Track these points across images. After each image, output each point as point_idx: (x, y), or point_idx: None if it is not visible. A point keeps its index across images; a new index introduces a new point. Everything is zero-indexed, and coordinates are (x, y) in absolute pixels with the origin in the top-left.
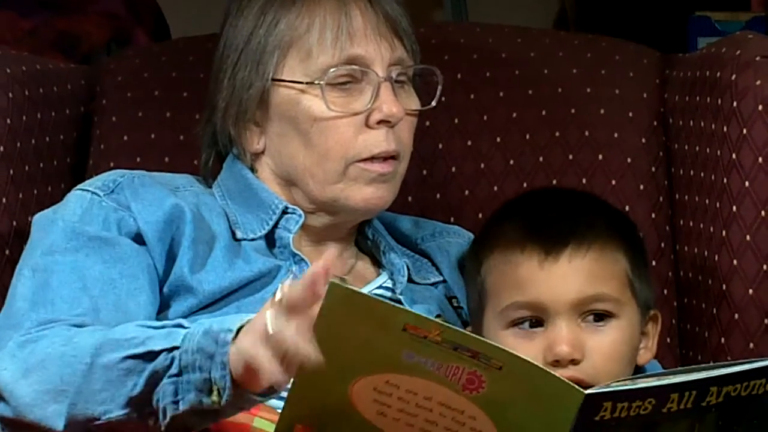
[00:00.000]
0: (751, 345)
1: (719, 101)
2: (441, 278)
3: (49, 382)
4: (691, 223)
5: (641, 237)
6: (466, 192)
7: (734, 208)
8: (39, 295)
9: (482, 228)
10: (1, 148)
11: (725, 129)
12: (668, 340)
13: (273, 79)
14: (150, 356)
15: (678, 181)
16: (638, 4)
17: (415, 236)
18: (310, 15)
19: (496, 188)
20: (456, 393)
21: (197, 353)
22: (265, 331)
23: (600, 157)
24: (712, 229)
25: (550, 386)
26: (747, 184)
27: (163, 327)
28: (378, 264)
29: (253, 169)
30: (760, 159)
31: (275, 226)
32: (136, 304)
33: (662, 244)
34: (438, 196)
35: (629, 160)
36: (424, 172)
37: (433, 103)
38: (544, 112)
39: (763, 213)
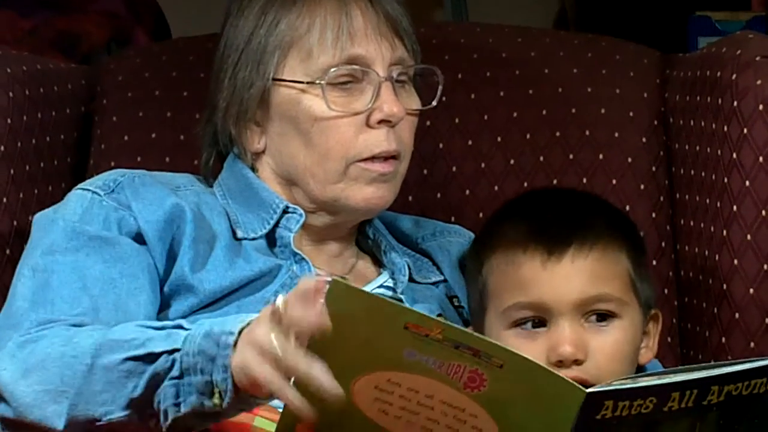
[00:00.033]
0: (752, 344)
1: (720, 101)
2: (442, 278)
3: (49, 383)
4: (691, 223)
5: (641, 236)
6: (467, 192)
7: (735, 207)
8: (39, 295)
9: (483, 228)
10: (2, 148)
11: (726, 129)
12: (669, 339)
13: (274, 79)
14: (150, 358)
15: (678, 181)
16: (638, 4)
17: (416, 236)
18: (310, 15)
19: (496, 188)
20: (457, 391)
21: (198, 356)
22: (271, 352)
23: (600, 156)
24: (712, 228)
25: (551, 385)
26: (747, 183)
27: (162, 328)
28: (379, 263)
29: (253, 169)
30: (761, 158)
31: (276, 225)
32: (136, 304)
33: (663, 244)
34: (438, 195)
35: (630, 159)
36: (425, 171)
37: (434, 103)
38: (544, 112)
39: (763, 212)
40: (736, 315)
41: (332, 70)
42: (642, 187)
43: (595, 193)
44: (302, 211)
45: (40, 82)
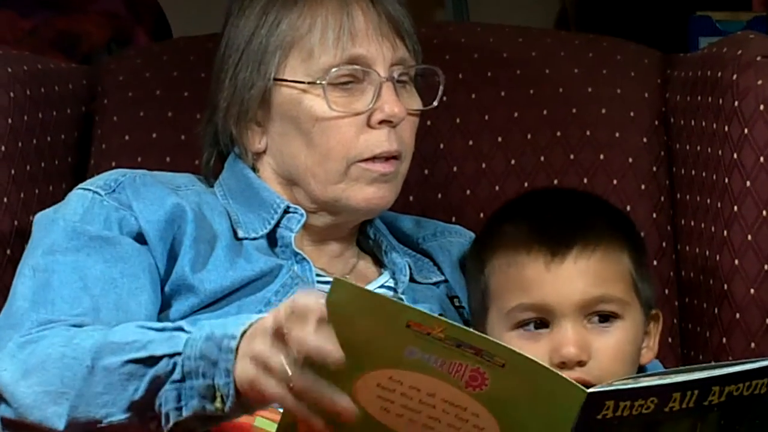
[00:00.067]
0: (753, 345)
1: (720, 101)
2: (442, 278)
3: (50, 384)
4: (692, 223)
5: (642, 236)
6: (468, 192)
7: (735, 207)
8: (39, 295)
9: (484, 228)
10: (3, 148)
11: (726, 129)
12: (670, 339)
13: (275, 79)
14: (151, 361)
15: (679, 181)
16: (639, 4)
17: (417, 236)
18: (311, 15)
19: (497, 188)
20: (459, 390)
21: (200, 360)
22: (279, 370)
23: (601, 156)
24: (713, 228)
25: (552, 384)
26: (748, 183)
27: (163, 329)
28: (379, 263)
29: (254, 169)
30: (762, 159)
31: (277, 225)
32: (137, 304)
33: (663, 244)
34: (439, 195)
35: (630, 159)
36: (426, 171)
37: (435, 103)
38: (545, 112)
39: (764, 213)
40: (737, 315)
41: (333, 70)
42: (643, 187)
43: (596, 194)
44: (303, 211)
45: (41, 82)
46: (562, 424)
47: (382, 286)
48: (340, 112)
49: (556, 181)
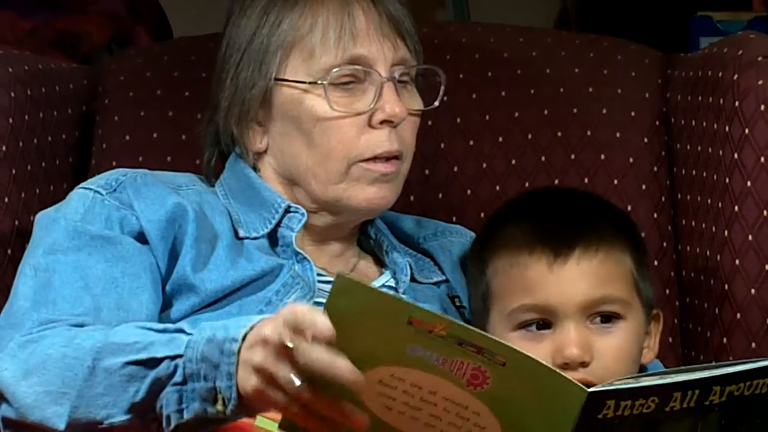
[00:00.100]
0: (754, 345)
1: (721, 101)
2: (443, 277)
3: (50, 384)
4: (693, 223)
5: (642, 236)
6: (468, 192)
7: (736, 207)
8: (41, 295)
9: (484, 228)
10: (4, 148)
11: (727, 129)
12: (670, 339)
13: (276, 79)
14: (152, 363)
15: (680, 181)
16: (640, 4)
17: (418, 235)
18: (313, 15)
19: (497, 188)
20: (460, 388)
21: (202, 362)
22: (291, 386)
23: (602, 156)
24: (714, 228)
25: (553, 384)
26: (749, 183)
27: (164, 331)
28: (380, 263)
29: (255, 168)
30: (762, 159)
31: (278, 224)
32: (138, 303)
33: (664, 244)
34: (440, 195)
35: (631, 159)
36: (426, 171)
37: (436, 104)
38: (546, 112)
39: (765, 213)
40: (738, 315)
41: (334, 70)
42: (643, 187)
43: (596, 193)
44: (304, 211)
45: (42, 82)
46: (563, 423)
47: (383, 286)
48: (341, 112)
49: (557, 181)
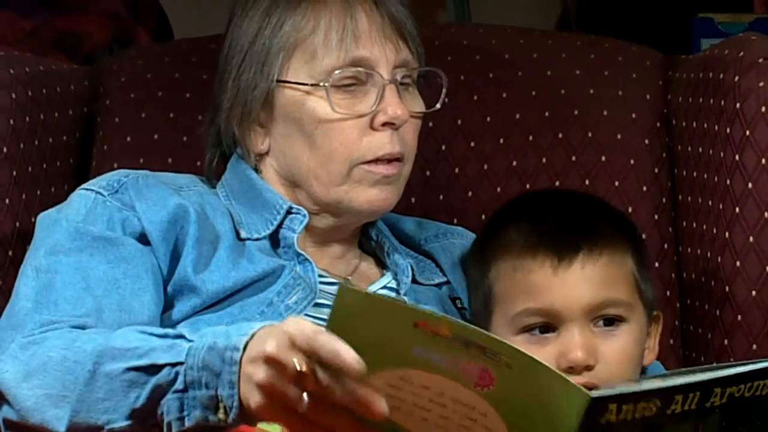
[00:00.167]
0: (754, 346)
1: (722, 103)
2: (445, 279)
3: (51, 387)
4: (694, 225)
5: (643, 237)
6: (469, 193)
7: (737, 209)
8: (42, 296)
9: (485, 230)
10: (5, 149)
11: (728, 130)
12: (671, 341)
13: (278, 81)
14: (153, 369)
15: (681, 183)
16: (641, 6)
17: (419, 237)
18: (315, 17)
19: (498, 189)
20: (468, 389)
21: (203, 370)
22: (301, 404)
23: (603, 158)
24: (715, 230)
25: (556, 387)
26: (750, 185)
27: (164, 336)
28: (382, 265)
29: (257, 170)
30: (763, 160)
31: (279, 226)
32: (140, 304)
33: (665, 246)
34: (441, 197)
35: (632, 161)
36: (427, 173)
37: (438, 106)
38: (546, 114)
39: (766, 214)
40: (739, 317)
41: (336, 72)
42: (644, 188)
43: (596, 195)
44: (306, 212)
45: (43, 83)
46: (566, 426)
47: (384, 287)
48: (343, 114)
49: (557, 183)
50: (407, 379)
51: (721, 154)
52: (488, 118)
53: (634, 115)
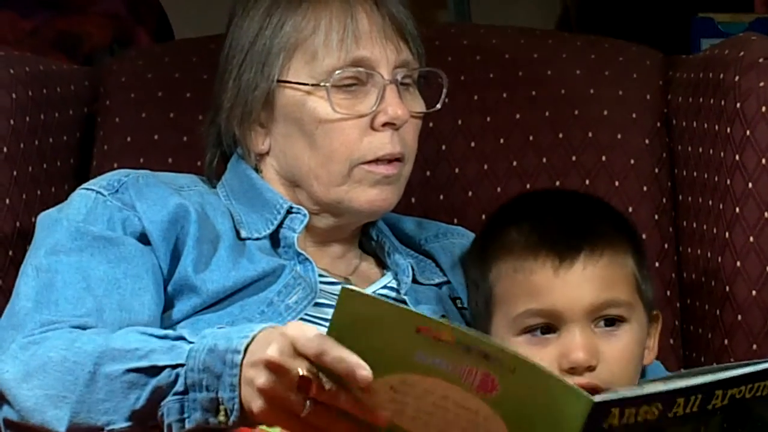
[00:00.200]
0: (755, 346)
1: (722, 103)
2: (445, 279)
3: (51, 387)
4: (694, 225)
5: (642, 237)
6: (469, 193)
7: (737, 209)
8: (43, 296)
9: (485, 231)
10: (5, 149)
11: (728, 130)
12: (671, 341)
13: (278, 81)
14: (153, 371)
15: (681, 183)
16: (641, 6)
17: (419, 237)
18: (315, 17)
19: (498, 189)
20: (470, 394)
21: (203, 372)
22: (303, 410)
23: (603, 158)
24: (715, 230)
25: (559, 392)
26: (750, 185)
27: (165, 337)
28: (382, 265)
29: (257, 170)
30: (764, 160)
31: (280, 225)
32: (140, 304)
33: (665, 246)
34: (441, 197)
35: (632, 161)
36: (428, 173)
37: (438, 106)
38: (547, 114)
39: (766, 214)
40: (739, 317)
41: (337, 72)
42: (645, 188)
43: (595, 195)
44: (306, 212)
45: (43, 83)
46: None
47: (384, 287)
48: (343, 115)
49: (558, 183)
50: (410, 383)
51: (722, 154)
52: (488, 118)
53: (634, 115)
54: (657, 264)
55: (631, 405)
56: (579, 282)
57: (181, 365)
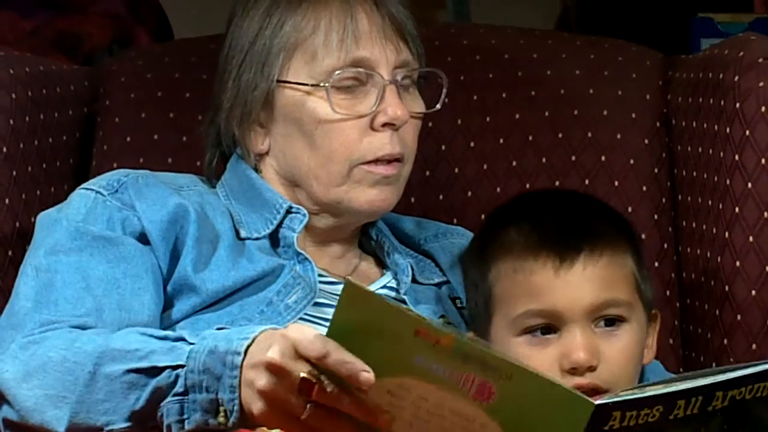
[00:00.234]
0: (754, 346)
1: (722, 102)
2: (444, 278)
3: (50, 388)
4: (693, 225)
5: (641, 236)
6: (469, 193)
7: (737, 209)
8: (42, 295)
9: (484, 231)
10: (5, 149)
11: (728, 130)
12: (671, 341)
13: (278, 81)
14: (153, 372)
15: (681, 183)
16: (641, 6)
17: (419, 237)
18: (315, 17)
19: (498, 189)
20: (467, 401)
21: (204, 374)
22: (304, 412)
23: (603, 158)
24: (714, 230)
25: (559, 398)
26: (750, 185)
27: (165, 338)
28: (382, 264)
29: (257, 170)
30: (763, 160)
31: (279, 225)
32: (140, 304)
33: (665, 246)
34: (440, 197)
35: (632, 161)
36: (427, 173)
37: (438, 106)
38: (546, 114)
39: (765, 214)
40: (738, 317)
41: (337, 72)
42: (644, 188)
43: (594, 195)
44: (306, 211)
45: (43, 84)
46: None
47: (384, 287)
48: (343, 115)
49: (557, 183)
50: (406, 388)
51: (721, 154)
52: (488, 118)
53: (633, 115)
54: (656, 264)
55: (632, 408)
56: (579, 282)
57: (182, 366)
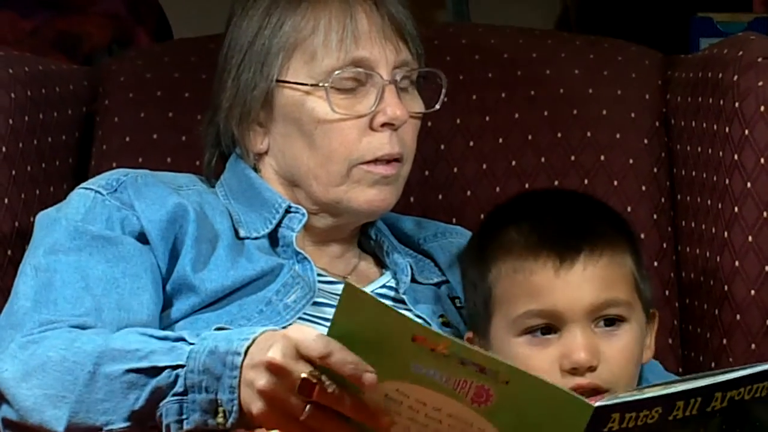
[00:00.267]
0: (753, 346)
1: (721, 102)
2: (444, 278)
3: (50, 387)
4: (693, 224)
5: (639, 236)
6: (468, 193)
7: (736, 209)
8: (42, 295)
9: (483, 231)
10: (4, 149)
11: (727, 130)
12: (670, 341)
13: (277, 81)
14: (153, 372)
15: (680, 182)
16: (640, 5)
17: (418, 236)
18: (315, 17)
19: (497, 189)
20: (465, 405)
21: (203, 374)
22: (303, 413)
23: (602, 158)
24: (714, 230)
25: (558, 400)
26: (749, 185)
27: (165, 338)
28: (381, 264)
29: (256, 169)
30: (762, 160)
31: (278, 224)
32: (139, 304)
33: (664, 245)
34: (440, 197)
35: (631, 161)
36: (426, 173)
37: (437, 106)
38: (546, 113)
39: (765, 214)
40: (737, 316)
41: (336, 72)
42: (643, 188)
43: (593, 195)
44: (305, 211)
45: (42, 83)
46: None
47: (383, 286)
48: (342, 115)
49: (556, 183)
50: (404, 392)
51: (720, 153)
52: (487, 118)
53: (633, 115)
54: (656, 263)
55: (631, 409)
56: (579, 282)
57: (181, 366)
